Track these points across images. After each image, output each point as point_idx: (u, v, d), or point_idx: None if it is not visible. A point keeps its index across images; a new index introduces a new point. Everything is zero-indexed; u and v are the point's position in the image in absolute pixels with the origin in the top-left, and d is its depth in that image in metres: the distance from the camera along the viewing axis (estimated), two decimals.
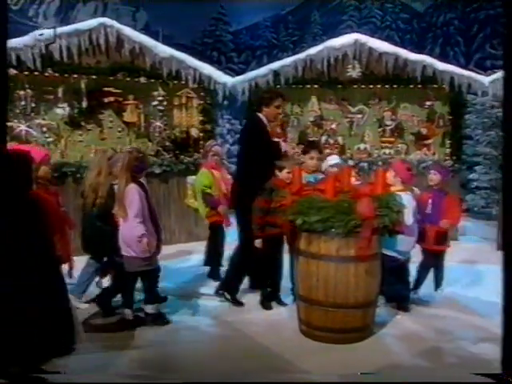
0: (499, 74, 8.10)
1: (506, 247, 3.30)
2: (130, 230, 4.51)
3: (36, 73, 7.30)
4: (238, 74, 10.19)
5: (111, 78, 7.79)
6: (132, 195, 4.51)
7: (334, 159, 5.77)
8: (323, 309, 4.38)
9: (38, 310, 3.67)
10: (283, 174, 5.02)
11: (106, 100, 7.76)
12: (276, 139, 5.41)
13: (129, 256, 4.57)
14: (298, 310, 4.66)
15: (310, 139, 7.98)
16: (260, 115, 5.30)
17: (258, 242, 5.00)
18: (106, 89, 7.74)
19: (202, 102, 8.72)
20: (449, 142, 8.78)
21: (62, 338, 3.88)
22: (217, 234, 6.27)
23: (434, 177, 5.45)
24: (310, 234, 4.38)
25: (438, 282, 5.53)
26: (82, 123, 7.69)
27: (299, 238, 4.50)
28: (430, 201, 5.35)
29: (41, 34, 7.12)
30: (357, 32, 9.44)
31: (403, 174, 5.12)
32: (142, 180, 4.80)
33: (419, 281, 5.53)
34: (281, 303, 5.34)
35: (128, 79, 7.93)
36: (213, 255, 6.31)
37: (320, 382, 3.80)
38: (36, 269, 3.71)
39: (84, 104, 7.60)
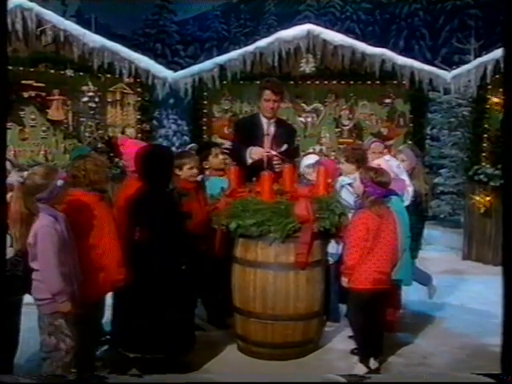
0: (462, 69, 8.39)
1: (505, 250, 3.42)
2: None
3: None
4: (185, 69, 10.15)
5: (31, 69, 7.73)
6: None
7: (310, 159, 5.59)
8: (261, 322, 4.48)
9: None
10: (184, 172, 4.82)
11: (26, 94, 7.69)
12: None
13: None
14: (235, 324, 4.73)
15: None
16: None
17: None
18: (25, 82, 7.66)
19: (139, 98, 8.74)
20: (410, 142, 8.99)
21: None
22: None
23: None
24: (246, 239, 4.48)
25: None
26: None
27: (235, 244, 4.60)
28: None
29: None
30: (314, 23, 9.55)
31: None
32: None
33: None
34: None
35: (52, 71, 7.88)
36: None
37: None
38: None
39: None
